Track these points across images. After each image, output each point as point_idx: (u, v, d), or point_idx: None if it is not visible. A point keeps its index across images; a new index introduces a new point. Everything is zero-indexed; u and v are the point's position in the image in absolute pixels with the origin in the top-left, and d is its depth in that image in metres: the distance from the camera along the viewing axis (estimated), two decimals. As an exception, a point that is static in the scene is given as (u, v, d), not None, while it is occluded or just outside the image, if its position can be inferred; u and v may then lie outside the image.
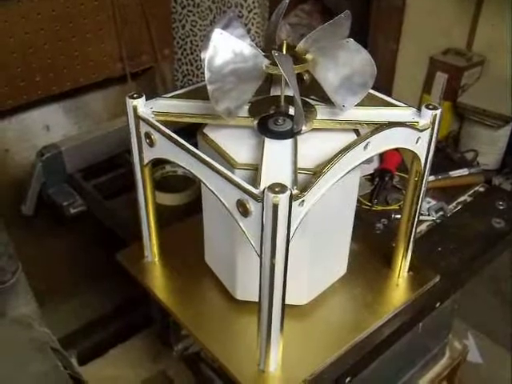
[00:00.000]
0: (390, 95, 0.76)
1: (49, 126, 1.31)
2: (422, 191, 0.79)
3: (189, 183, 1.12)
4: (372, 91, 0.74)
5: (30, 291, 1.02)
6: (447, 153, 1.32)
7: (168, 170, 1.19)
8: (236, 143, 0.70)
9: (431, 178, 1.09)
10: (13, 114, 1.25)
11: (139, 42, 1.36)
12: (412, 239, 0.84)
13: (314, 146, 0.68)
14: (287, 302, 0.65)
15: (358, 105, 0.71)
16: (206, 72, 0.62)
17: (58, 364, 0.89)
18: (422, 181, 0.78)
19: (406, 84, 1.84)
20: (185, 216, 1.00)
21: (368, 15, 1.87)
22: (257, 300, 0.66)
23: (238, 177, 0.60)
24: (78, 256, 1.41)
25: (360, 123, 0.71)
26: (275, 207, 0.55)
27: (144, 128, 0.73)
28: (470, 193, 1.12)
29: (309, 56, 0.69)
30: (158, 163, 1.01)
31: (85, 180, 1.20)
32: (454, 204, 1.09)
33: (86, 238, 1.37)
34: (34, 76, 1.20)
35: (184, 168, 0.68)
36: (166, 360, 1.22)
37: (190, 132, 0.77)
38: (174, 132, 0.69)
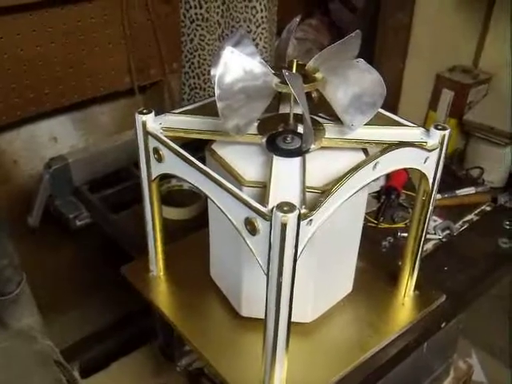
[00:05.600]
0: (395, 112, 0.76)
1: (56, 138, 1.32)
2: (429, 210, 0.79)
3: (195, 198, 1.13)
4: (381, 110, 0.74)
5: (33, 302, 1.02)
6: (452, 170, 1.32)
7: (174, 185, 1.19)
8: (244, 160, 0.70)
9: (438, 196, 1.09)
10: (21, 125, 1.25)
11: (148, 55, 1.36)
12: (418, 258, 0.84)
13: (323, 164, 0.68)
14: (292, 319, 0.65)
15: (367, 124, 0.71)
16: (215, 89, 0.63)
17: (61, 377, 0.88)
18: (430, 200, 0.78)
19: (412, 100, 1.84)
20: (190, 230, 1.00)
21: (374, 32, 1.87)
22: (262, 317, 0.65)
23: (245, 194, 0.60)
24: (83, 268, 1.41)
25: (369, 142, 0.71)
26: (283, 226, 0.55)
27: (152, 143, 0.73)
28: (476, 212, 1.12)
29: (319, 75, 0.70)
30: (164, 177, 1.01)
31: (91, 192, 1.20)
32: (461, 223, 1.09)
33: (91, 250, 1.37)
34: (43, 88, 1.20)
35: (192, 184, 0.68)
36: (167, 374, 1.21)
37: (198, 147, 0.77)
38: (181, 146, 0.69)
